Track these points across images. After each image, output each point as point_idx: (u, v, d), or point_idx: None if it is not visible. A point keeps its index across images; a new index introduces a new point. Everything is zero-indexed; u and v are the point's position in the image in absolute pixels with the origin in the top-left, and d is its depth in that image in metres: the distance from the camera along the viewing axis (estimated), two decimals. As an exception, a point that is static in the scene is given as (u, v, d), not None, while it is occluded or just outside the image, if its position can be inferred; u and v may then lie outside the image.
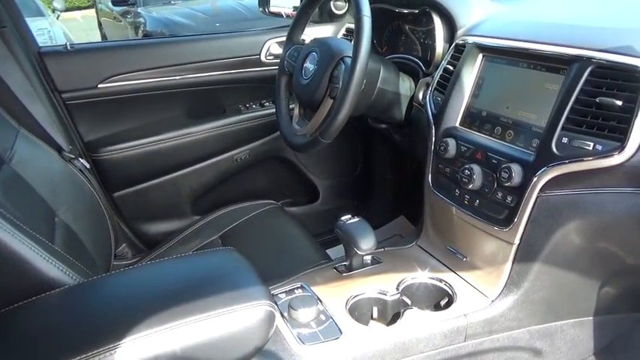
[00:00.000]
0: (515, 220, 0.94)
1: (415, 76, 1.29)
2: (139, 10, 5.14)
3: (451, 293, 1.05)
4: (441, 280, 1.08)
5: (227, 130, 1.65)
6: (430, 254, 1.17)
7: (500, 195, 0.97)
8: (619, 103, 0.81)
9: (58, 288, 0.72)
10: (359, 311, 1.03)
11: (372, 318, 1.05)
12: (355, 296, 1.03)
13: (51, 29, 4.91)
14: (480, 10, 1.19)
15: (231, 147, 1.69)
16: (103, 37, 7.06)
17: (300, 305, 0.95)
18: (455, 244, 1.12)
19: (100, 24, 7.38)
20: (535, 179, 0.90)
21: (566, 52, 0.91)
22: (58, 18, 5.82)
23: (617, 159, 0.81)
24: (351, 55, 1.06)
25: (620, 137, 0.81)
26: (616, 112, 0.82)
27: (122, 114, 1.57)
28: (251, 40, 1.67)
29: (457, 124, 1.10)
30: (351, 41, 1.11)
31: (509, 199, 0.95)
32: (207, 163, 1.67)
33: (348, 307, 1.00)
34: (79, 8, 12.32)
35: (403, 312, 1.00)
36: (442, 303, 1.06)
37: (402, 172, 1.85)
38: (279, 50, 1.64)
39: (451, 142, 1.07)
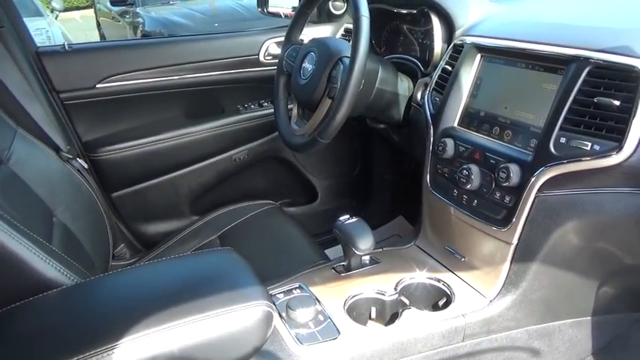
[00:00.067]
0: (514, 220, 0.95)
1: (413, 76, 1.29)
2: (138, 10, 5.14)
3: (449, 293, 1.05)
4: (439, 280, 1.08)
5: (226, 130, 1.65)
6: (428, 254, 1.17)
7: (498, 195, 0.97)
8: (617, 103, 0.81)
9: (56, 288, 0.72)
10: (357, 311, 1.02)
11: (370, 318, 1.05)
12: (353, 296, 1.03)
13: (49, 29, 4.91)
14: (478, 11, 1.20)
15: (230, 147, 1.69)
16: (102, 37, 7.06)
17: (299, 305, 0.95)
18: (453, 244, 1.12)
19: (98, 24, 7.38)
20: (533, 179, 0.90)
21: (564, 52, 0.91)
22: (56, 18, 5.83)
23: (614, 159, 0.81)
24: (349, 55, 1.06)
25: (618, 137, 0.81)
26: (614, 112, 0.82)
27: (120, 114, 1.57)
28: (249, 40, 1.67)
29: (455, 125, 1.10)
30: (349, 41, 1.11)
31: (507, 199, 0.95)
32: (205, 163, 1.67)
33: (346, 307, 1.00)
34: (78, 8, 12.31)
35: (401, 312, 1.00)
36: (440, 303, 1.06)
37: (400, 173, 1.85)
38: (277, 50, 1.64)
39: (449, 143, 1.07)
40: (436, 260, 1.14)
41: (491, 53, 1.07)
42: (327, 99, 1.13)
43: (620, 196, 0.85)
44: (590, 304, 1.08)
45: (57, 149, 1.27)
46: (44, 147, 1.18)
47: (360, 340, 0.93)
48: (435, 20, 1.24)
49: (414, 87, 1.27)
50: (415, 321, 0.98)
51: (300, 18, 1.30)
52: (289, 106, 1.34)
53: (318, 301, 1.00)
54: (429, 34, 1.28)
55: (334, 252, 1.41)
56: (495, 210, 0.98)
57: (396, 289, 1.05)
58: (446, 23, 1.22)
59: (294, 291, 1.03)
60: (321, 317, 0.96)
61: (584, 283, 1.04)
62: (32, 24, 4.22)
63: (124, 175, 1.57)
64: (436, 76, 1.18)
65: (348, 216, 1.10)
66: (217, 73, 1.62)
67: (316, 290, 1.03)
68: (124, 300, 0.72)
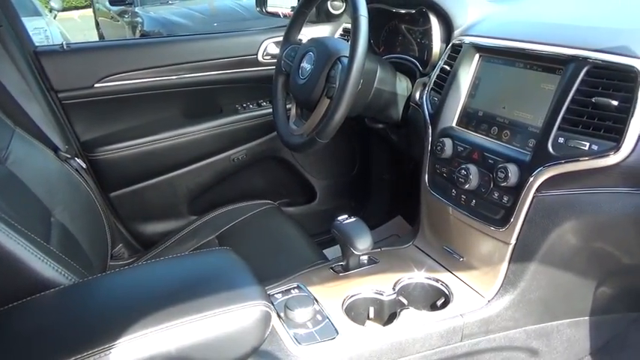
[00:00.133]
0: (512, 220, 0.95)
1: (412, 76, 1.29)
2: (137, 9, 5.14)
3: (447, 293, 1.05)
4: (437, 280, 1.08)
5: (224, 130, 1.65)
6: (427, 254, 1.17)
7: (496, 195, 0.97)
8: (615, 103, 0.81)
9: (54, 288, 0.72)
10: (355, 311, 1.02)
11: (368, 318, 1.05)
12: (352, 296, 1.03)
13: (47, 29, 4.91)
14: (476, 10, 1.20)
15: (228, 147, 1.69)
16: (101, 36, 7.05)
17: (297, 305, 0.95)
18: (451, 244, 1.12)
19: (97, 24, 7.37)
20: (531, 179, 0.90)
21: (562, 52, 0.91)
22: (55, 18, 5.82)
23: (612, 159, 0.81)
24: (347, 55, 1.06)
25: (616, 137, 0.81)
26: (612, 112, 0.82)
27: (119, 114, 1.57)
28: (248, 40, 1.67)
29: (454, 124, 1.10)
30: (348, 41, 1.11)
31: (505, 199, 0.95)
32: (203, 163, 1.67)
33: (344, 307, 1.00)
34: (77, 8, 12.31)
35: (400, 312, 1.00)
36: (439, 303, 1.06)
37: (398, 172, 1.85)
38: (276, 50, 1.64)
39: (448, 142, 1.07)
40: (434, 260, 1.14)
41: (489, 53, 1.07)
42: (325, 99, 1.13)
43: (618, 196, 0.85)
44: (588, 304, 1.08)
45: (55, 149, 1.27)
46: (42, 147, 1.18)
47: (358, 340, 0.93)
48: (434, 20, 1.24)
49: (413, 87, 1.27)
50: (413, 321, 0.98)
51: (298, 18, 1.30)
52: (288, 106, 1.34)
53: (317, 301, 1.00)
54: (427, 33, 1.28)
55: (332, 252, 1.41)
56: (493, 210, 0.98)
57: (394, 289, 1.04)
58: (444, 23, 1.22)
59: (292, 291, 1.03)
60: (319, 317, 0.96)
61: (582, 283, 1.04)
62: (30, 23, 4.22)
63: (123, 175, 1.57)
64: (435, 76, 1.18)
65: (346, 216, 1.10)
66: (216, 73, 1.62)
67: (314, 290, 1.03)
68: (121, 300, 0.72)
